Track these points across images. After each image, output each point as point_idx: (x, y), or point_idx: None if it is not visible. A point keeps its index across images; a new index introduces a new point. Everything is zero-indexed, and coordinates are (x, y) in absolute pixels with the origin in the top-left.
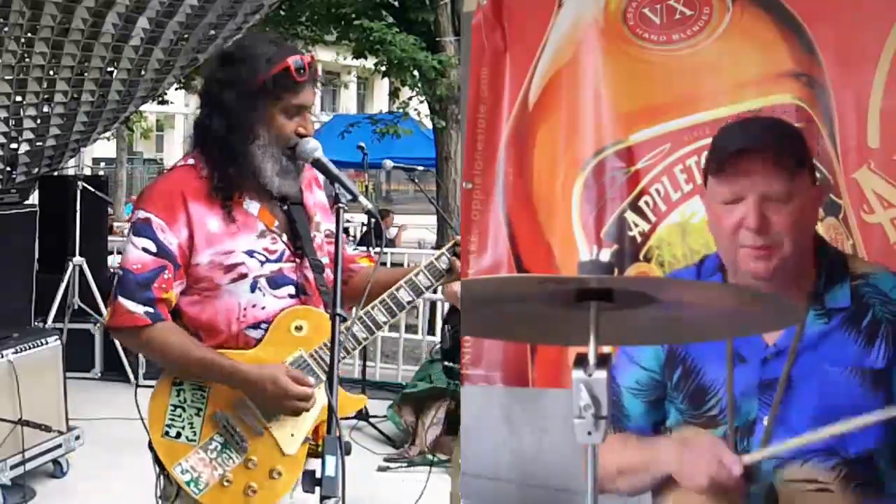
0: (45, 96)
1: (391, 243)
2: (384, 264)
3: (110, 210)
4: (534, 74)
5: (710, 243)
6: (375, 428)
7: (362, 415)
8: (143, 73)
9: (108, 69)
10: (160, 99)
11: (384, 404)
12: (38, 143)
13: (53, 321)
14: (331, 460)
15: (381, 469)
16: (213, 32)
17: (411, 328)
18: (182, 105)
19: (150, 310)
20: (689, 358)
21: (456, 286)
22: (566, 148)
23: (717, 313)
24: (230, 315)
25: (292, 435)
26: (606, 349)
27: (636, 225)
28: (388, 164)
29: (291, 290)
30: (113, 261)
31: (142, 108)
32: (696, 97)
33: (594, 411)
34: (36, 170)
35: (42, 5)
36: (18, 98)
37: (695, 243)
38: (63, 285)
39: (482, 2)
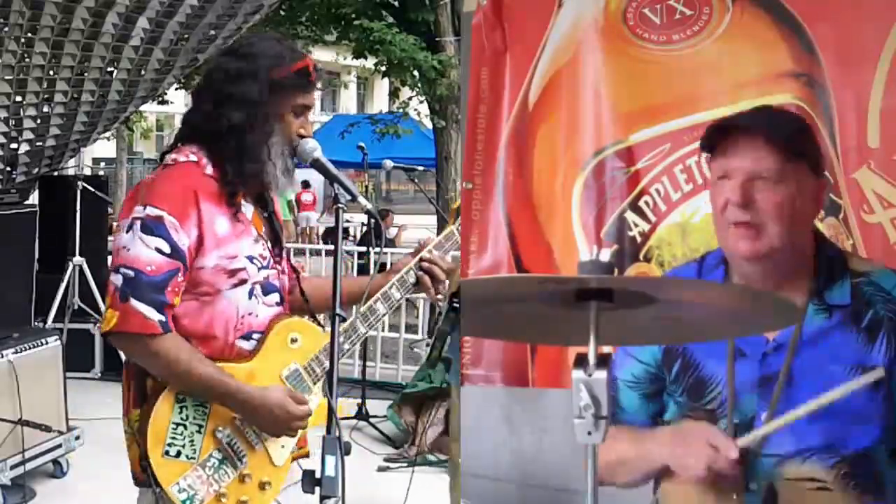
0: (45, 96)
1: (391, 243)
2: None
3: (110, 210)
4: (534, 74)
5: (710, 243)
6: (375, 428)
7: (362, 415)
8: (143, 73)
9: (108, 69)
10: (160, 99)
11: (384, 404)
12: (38, 143)
13: (53, 321)
14: (331, 460)
15: (381, 469)
16: (213, 32)
17: (411, 328)
18: (182, 105)
19: (163, 318)
20: (689, 351)
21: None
22: (566, 148)
23: (717, 313)
24: (228, 323)
25: (283, 447)
26: (606, 349)
27: (636, 225)
28: (388, 164)
29: (277, 297)
30: None
31: (142, 108)
32: (696, 97)
33: (594, 411)
34: (36, 170)
35: (42, 5)
36: (18, 98)
37: (695, 243)
38: (63, 285)
39: (482, 2)
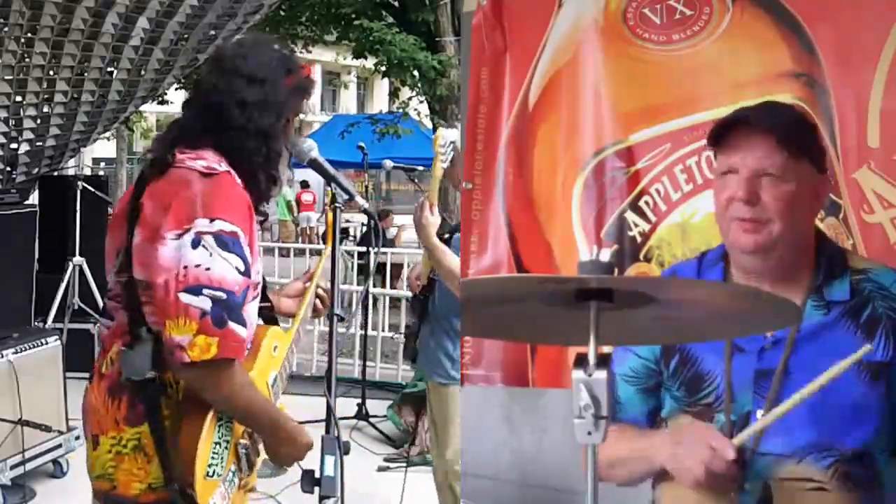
0: (45, 96)
1: (391, 243)
2: (384, 264)
3: (110, 210)
4: (534, 74)
5: (710, 242)
6: (375, 428)
7: (362, 415)
8: (143, 73)
9: (108, 69)
10: (160, 99)
11: (384, 404)
12: (38, 143)
13: (53, 321)
14: (330, 460)
15: (381, 469)
16: (213, 32)
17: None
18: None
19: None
20: (687, 346)
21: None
22: (566, 148)
23: (717, 313)
24: (249, 337)
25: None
26: (606, 349)
27: (636, 225)
28: (388, 164)
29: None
30: None
31: (142, 108)
32: (696, 97)
33: (594, 411)
34: (36, 170)
35: (42, 5)
36: (18, 98)
37: (695, 243)
38: (63, 285)
39: (482, 2)
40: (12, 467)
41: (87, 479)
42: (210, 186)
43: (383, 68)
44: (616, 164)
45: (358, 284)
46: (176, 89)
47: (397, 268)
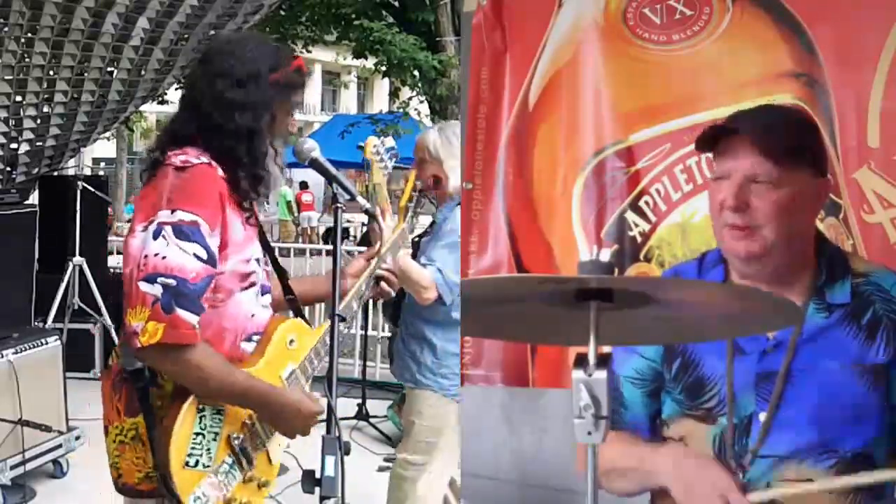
0: (45, 96)
1: None
2: None
3: (110, 210)
4: (534, 74)
5: (710, 243)
6: (375, 428)
7: (362, 415)
8: (143, 73)
9: (108, 69)
10: (160, 99)
11: (384, 404)
12: (38, 143)
13: (53, 321)
14: (330, 460)
15: (381, 469)
16: (213, 32)
17: None
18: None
19: (198, 326)
20: (689, 349)
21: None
22: (566, 148)
23: (717, 313)
24: (237, 326)
25: (279, 445)
26: (606, 349)
27: (636, 225)
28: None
29: (269, 298)
30: (113, 261)
31: (142, 108)
32: (696, 97)
33: (594, 411)
34: (36, 170)
35: (42, 5)
36: (18, 98)
37: (695, 243)
38: (63, 285)
39: (482, 2)
40: (12, 467)
41: (87, 480)
42: (179, 179)
43: (383, 68)
44: (616, 164)
45: None
46: (176, 89)
47: None
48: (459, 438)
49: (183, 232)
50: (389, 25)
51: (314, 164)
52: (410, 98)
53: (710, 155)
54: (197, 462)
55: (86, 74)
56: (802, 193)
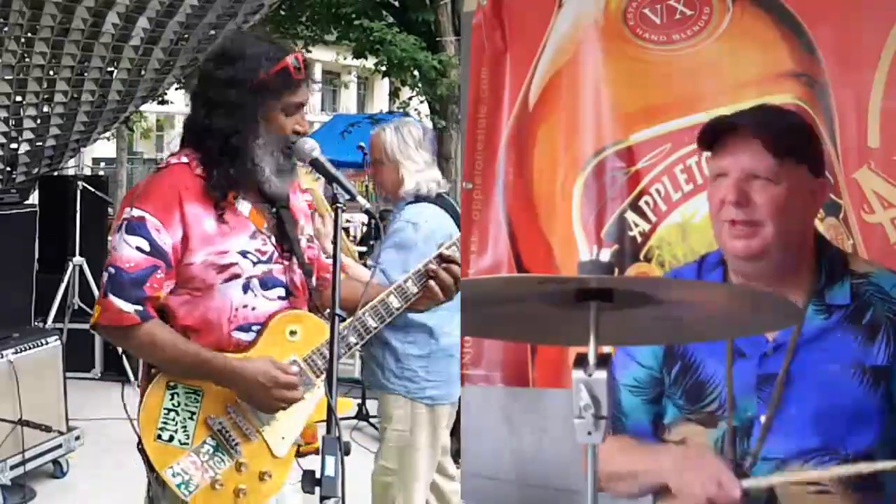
0: (45, 96)
1: None
2: None
3: (110, 210)
4: (534, 74)
5: (710, 243)
6: (375, 428)
7: (362, 415)
8: (143, 73)
9: (108, 69)
10: (160, 99)
11: None
12: (38, 143)
13: (53, 321)
14: (330, 460)
15: None
16: (213, 32)
17: None
18: (182, 105)
19: (140, 308)
20: (689, 353)
21: None
22: (566, 148)
23: (717, 313)
24: (221, 315)
25: (283, 438)
26: (606, 349)
27: (636, 225)
28: None
29: (282, 291)
30: None
31: (142, 108)
32: (696, 97)
33: (594, 411)
34: (36, 170)
35: (42, 5)
36: (18, 98)
37: (695, 243)
38: (63, 285)
39: (482, 2)
40: (12, 467)
41: (87, 480)
42: (147, 180)
43: (383, 68)
44: (616, 164)
45: None
46: (176, 89)
47: None
48: (434, 440)
49: (131, 226)
50: (389, 25)
51: (314, 164)
52: (410, 98)
53: (709, 154)
54: (171, 437)
55: (86, 74)
56: (800, 192)
